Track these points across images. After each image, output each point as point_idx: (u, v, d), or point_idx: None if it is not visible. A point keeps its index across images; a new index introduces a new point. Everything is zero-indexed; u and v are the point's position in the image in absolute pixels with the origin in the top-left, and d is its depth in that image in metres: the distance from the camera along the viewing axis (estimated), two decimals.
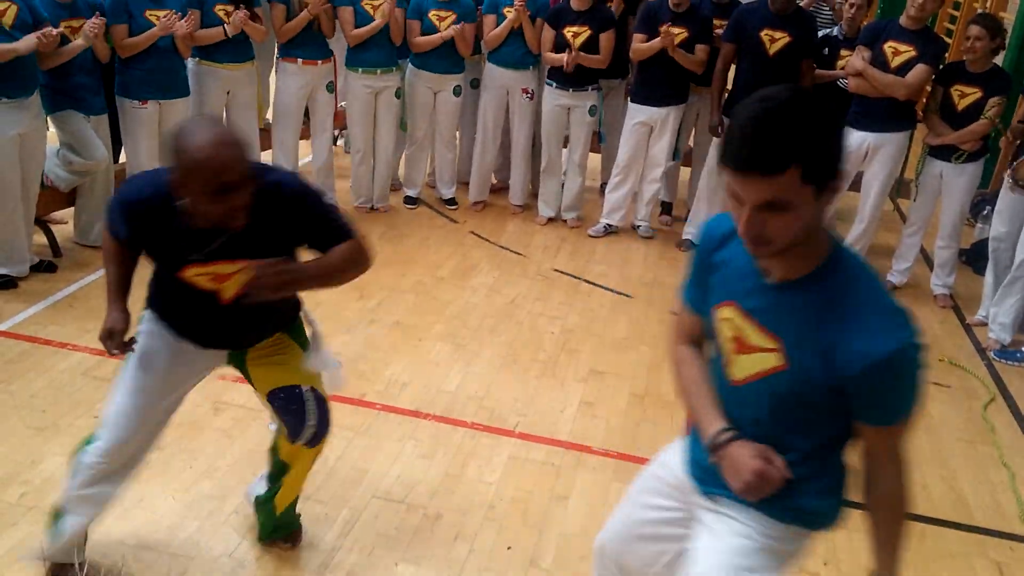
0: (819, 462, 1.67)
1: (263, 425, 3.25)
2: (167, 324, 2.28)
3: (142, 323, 2.32)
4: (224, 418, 3.31)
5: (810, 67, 5.13)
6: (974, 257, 5.65)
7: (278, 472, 2.53)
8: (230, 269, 2.10)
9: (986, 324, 4.75)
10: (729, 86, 5.38)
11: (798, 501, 1.67)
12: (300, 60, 5.20)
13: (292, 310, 2.44)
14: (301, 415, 2.37)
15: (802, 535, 1.73)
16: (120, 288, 2.26)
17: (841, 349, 1.45)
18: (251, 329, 2.33)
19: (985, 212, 5.66)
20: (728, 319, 1.63)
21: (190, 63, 4.88)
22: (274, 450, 2.53)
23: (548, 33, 5.37)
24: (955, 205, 4.93)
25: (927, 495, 3.28)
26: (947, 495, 3.30)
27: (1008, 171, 4.12)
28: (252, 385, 2.45)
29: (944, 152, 4.84)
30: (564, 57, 5.28)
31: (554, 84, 5.50)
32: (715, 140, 5.39)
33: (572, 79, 5.42)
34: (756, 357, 1.59)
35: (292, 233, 2.12)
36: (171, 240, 2.05)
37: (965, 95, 4.73)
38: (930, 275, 5.26)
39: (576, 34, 5.30)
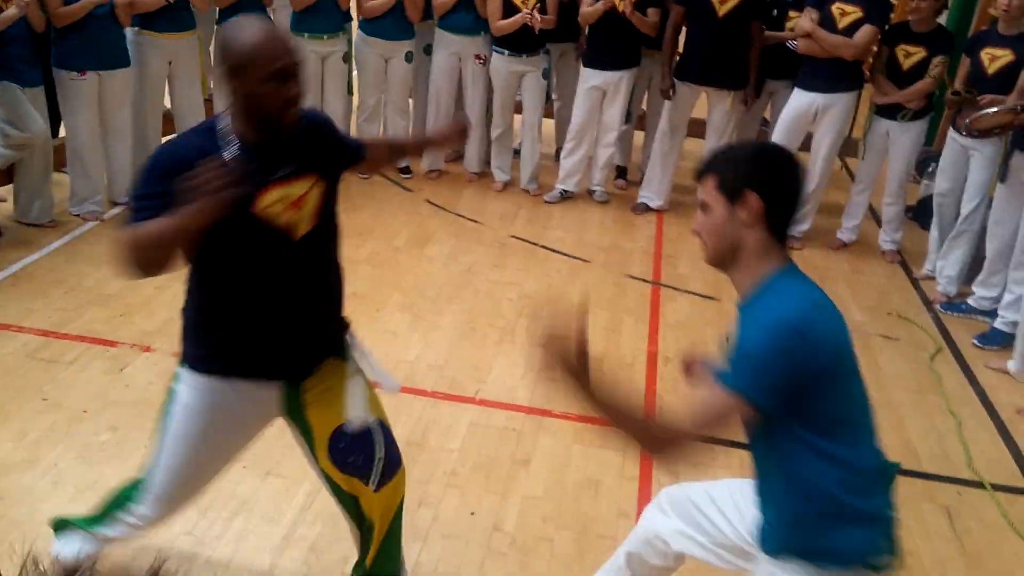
0: (798, 488, 1.73)
1: None
2: (214, 364, 2.05)
3: (178, 382, 2.11)
4: None
5: (759, 29, 5.15)
6: (920, 213, 5.76)
7: (366, 535, 2.23)
8: (303, 187, 1.95)
9: (933, 278, 4.87)
10: (680, 48, 5.39)
11: (817, 543, 1.74)
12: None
13: (343, 325, 2.25)
14: (370, 450, 2.12)
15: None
16: None
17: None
18: (311, 337, 2.09)
19: (930, 169, 5.77)
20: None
21: (129, 32, 4.73)
22: (350, 510, 2.22)
23: (495, 1, 5.30)
24: (901, 163, 5.02)
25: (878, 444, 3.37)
26: (896, 443, 3.40)
27: (959, 120, 4.19)
28: (309, 441, 2.15)
29: (890, 111, 4.91)
30: (520, 20, 5.20)
31: (505, 52, 5.44)
32: (667, 103, 5.40)
33: (524, 44, 5.38)
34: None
35: (332, 152, 2.09)
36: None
37: (910, 54, 4.79)
38: (878, 232, 5.36)
39: (525, 1, 5.25)
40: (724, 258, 1.75)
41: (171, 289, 4.03)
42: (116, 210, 4.89)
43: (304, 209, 1.97)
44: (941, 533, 2.92)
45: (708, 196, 1.74)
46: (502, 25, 5.31)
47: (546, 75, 5.52)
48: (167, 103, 5.17)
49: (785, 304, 1.66)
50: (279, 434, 3.04)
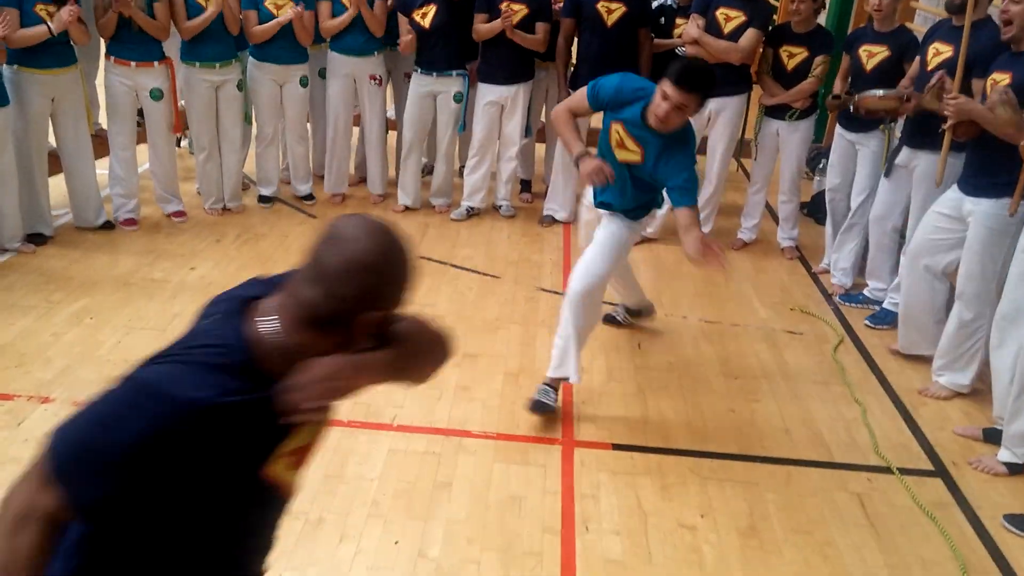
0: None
1: None
2: None
3: None
4: None
5: (647, 37, 5.27)
6: (814, 209, 5.98)
7: None
8: (312, 434, 1.55)
9: (829, 271, 5.06)
10: (573, 59, 5.47)
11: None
12: (113, 59, 4.89)
13: None
14: None
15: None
16: None
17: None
18: None
19: (821, 165, 6.00)
20: (616, 130, 3.30)
21: (6, 70, 4.51)
22: None
23: (402, 21, 5.27)
24: (792, 161, 5.20)
25: (789, 438, 3.47)
26: (806, 436, 3.50)
27: (853, 109, 4.37)
28: None
29: (778, 111, 5.09)
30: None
31: (419, 70, 5.42)
32: None
33: (437, 63, 5.37)
34: (628, 152, 3.29)
35: None
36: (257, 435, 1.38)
37: (793, 55, 4.98)
38: (776, 229, 5.54)
39: (424, 15, 5.25)
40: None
41: (68, 335, 3.88)
42: (5, 256, 4.65)
43: (308, 456, 1.60)
44: (855, 520, 3.01)
45: (692, 106, 3.07)
46: (406, 42, 5.28)
47: (458, 98, 5.47)
48: (52, 141, 4.95)
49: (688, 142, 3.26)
50: None
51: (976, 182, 3.59)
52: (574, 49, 5.42)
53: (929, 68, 3.98)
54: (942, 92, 3.63)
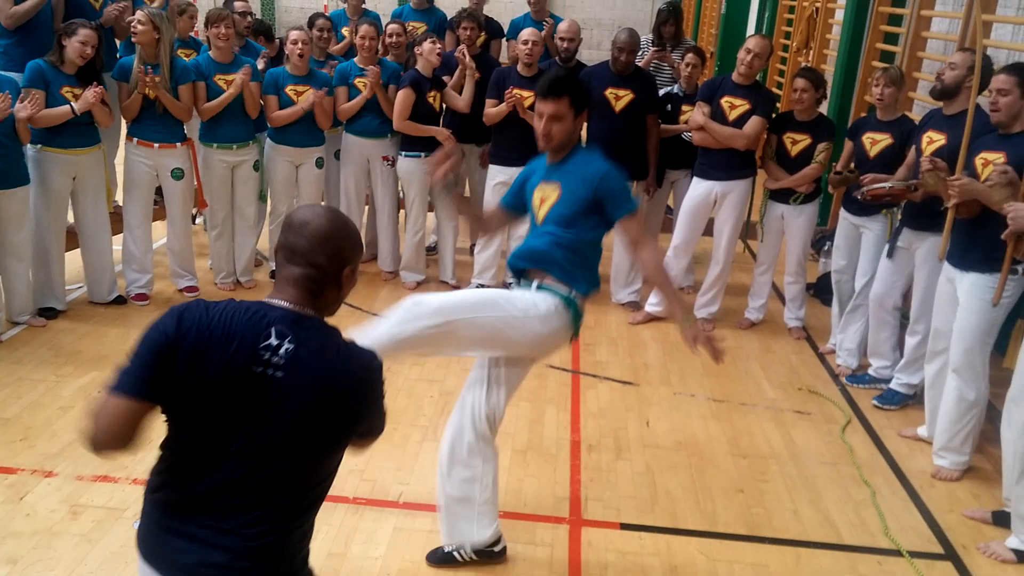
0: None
1: (127, 525, 3.08)
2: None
3: None
4: (83, 521, 3.09)
5: (655, 122, 5.41)
6: (821, 290, 6.02)
7: None
8: None
9: (835, 352, 5.06)
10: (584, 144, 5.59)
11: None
12: (136, 140, 5.04)
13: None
14: None
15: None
16: None
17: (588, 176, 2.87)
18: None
19: (826, 247, 6.06)
20: (538, 191, 3.01)
21: (30, 149, 4.65)
22: None
23: (408, 99, 5.43)
24: (798, 243, 5.27)
25: (798, 519, 3.43)
26: (815, 518, 3.46)
27: (859, 194, 4.45)
28: None
29: (783, 195, 5.18)
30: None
31: (422, 154, 5.50)
32: None
33: (430, 146, 5.51)
34: (548, 200, 2.95)
35: None
36: None
37: (796, 142, 5.10)
38: (783, 310, 5.56)
39: (434, 98, 5.43)
40: (565, 146, 2.94)
41: (75, 409, 3.89)
42: (15, 330, 4.70)
43: None
44: None
45: (564, 110, 2.86)
46: (406, 126, 5.43)
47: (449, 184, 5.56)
48: (70, 218, 5.06)
49: (595, 153, 3.03)
50: None
51: (969, 256, 3.66)
52: (583, 135, 5.56)
53: (925, 156, 4.10)
54: (938, 172, 3.72)
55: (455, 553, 2.99)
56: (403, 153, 5.61)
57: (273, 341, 1.69)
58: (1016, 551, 3.23)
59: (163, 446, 1.75)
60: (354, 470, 3.56)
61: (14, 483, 3.31)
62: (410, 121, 5.44)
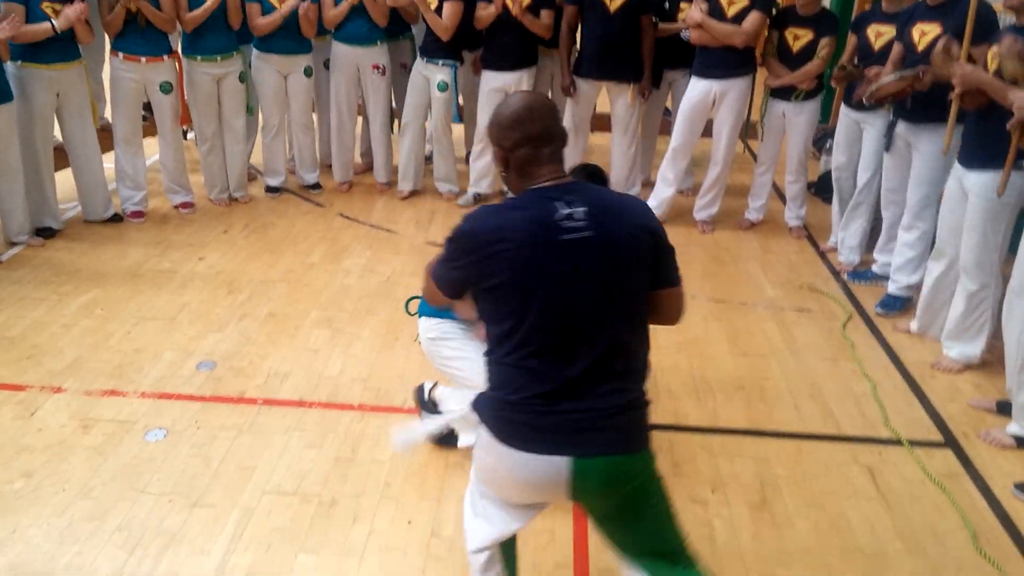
0: None
1: (138, 438, 3.12)
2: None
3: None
4: (94, 435, 3.14)
5: (651, 22, 5.25)
6: (821, 188, 5.97)
7: None
8: None
9: (837, 249, 5.05)
10: (577, 46, 5.46)
11: None
12: (122, 55, 4.90)
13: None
14: None
15: None
16: None
17: None
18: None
19: (827, 145, 5.99)
20: None
21: (10, 67, 4.53)
22: None
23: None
24: (799, 141, 5.19)
25: (798, 414, 3.47)
26: (816, 412, 3.50)
27: (857, 94, 4.34)
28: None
29: (784, 92, 5.08)
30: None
31: (419, 54, 5.45)
32: (569, 100, 5.46)
33: (425, 50, 5.39)
34: None
35: None
36: None
37: (798, 37, 4.96)
38: (784, 209, 5.53)
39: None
40: None
41: (77, 327, 3.90)
42: (14, 250, 4.68)
43: None
44: (866, 493, 3.01)
45: None
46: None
47: (442, 87, 5.45)
48: (58, 136, 4.98)
49: None
50: (203, 463, 2.98)
51: (976, 154, 3.59)
52: (578, 37, 5.42)
53: (920, 49, 3.98)
54: (949, 54, 3.60)
55: None
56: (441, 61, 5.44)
57: (565, 210, 1.83)
58: (1016, 437, 3.29)
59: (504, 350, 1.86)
60: (358, 379, 3.60)
61: (23, 400, 3.35)
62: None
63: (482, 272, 1.83)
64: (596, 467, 1.84)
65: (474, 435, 2.11)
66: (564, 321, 1.82)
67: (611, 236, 1.83)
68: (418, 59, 5.48)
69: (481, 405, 1.94)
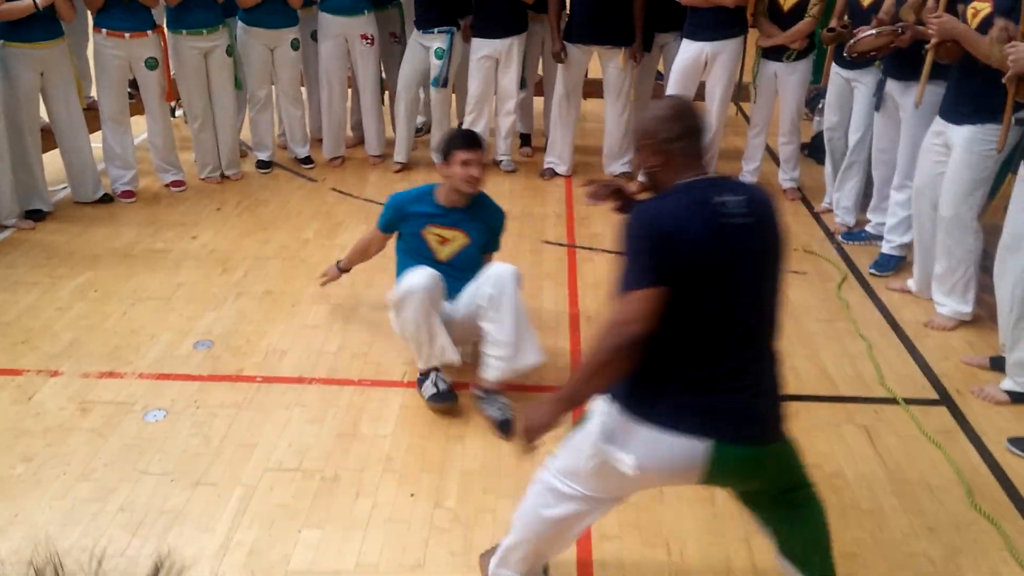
0: None
1: (137, 419, 3.13)
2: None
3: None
4: (93, 417, 3.14)
5: None
6: (815, 150, 5.95)
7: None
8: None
9: (831, 211, 5.05)
10: (567, 11, 5.40)
11: None
12: (105, 31, 4.84)
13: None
14: None
15: None
16: None
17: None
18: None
19: (820, 105, 5.94)
20: (431, 233, 3.40)
21: None
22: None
23: None
24: (791, 102, 5.16)
25: (796, 375, 3.49)
26: (812, 372, 3.52)
27: (845, 52, 4.32)
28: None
29: (776, 53, 5.04)
30: None
31: (428, 29, 5.38)
32: (560, 66, 5.42)
33: (421, 21, 5.33)
34: (453, 243, 3.37)
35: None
36: None
37: None
38: (777, 171, 5.51)
39: None
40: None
41: (72, 310, 3.89)
42: (4, 233, 4.66)
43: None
44: (863, 452, 3.04)
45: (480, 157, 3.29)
46: None
47: (439, 54, 5.41)
48: (44, 116, 4.93)
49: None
50: (204, 442, 2.99)
51: (957, 109, 3.58)
52: (566, 4, 5.37)
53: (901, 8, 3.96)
54: (923, 6, 3.60)
55: None
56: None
57: (728, 198, 1.90)
58: (1010, 392, 3.31)
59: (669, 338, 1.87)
60: (358, 354, 3.60)
61: (21, 384, 3.35)
62: None
63: (665, 262, 1.85)
64: (735, 455, 1.90)
65: None
66: (732, 305, 1.88)
67: (767, 224, 1.94)
68: (415, 32, 5.41)
69: (629, 394, 1.93)
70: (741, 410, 1.90)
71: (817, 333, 3.82)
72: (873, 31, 4.06)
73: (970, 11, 3.51)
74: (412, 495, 2.79)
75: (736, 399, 1.90)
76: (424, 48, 5.42)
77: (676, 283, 1.85)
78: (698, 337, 1.89)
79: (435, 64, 5.41)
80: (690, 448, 1.87)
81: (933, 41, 3.50)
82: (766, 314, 1.96)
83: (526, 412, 2.00)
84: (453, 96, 6.03)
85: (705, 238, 1.85)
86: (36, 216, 4.82)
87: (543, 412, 1.97)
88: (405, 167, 5.79)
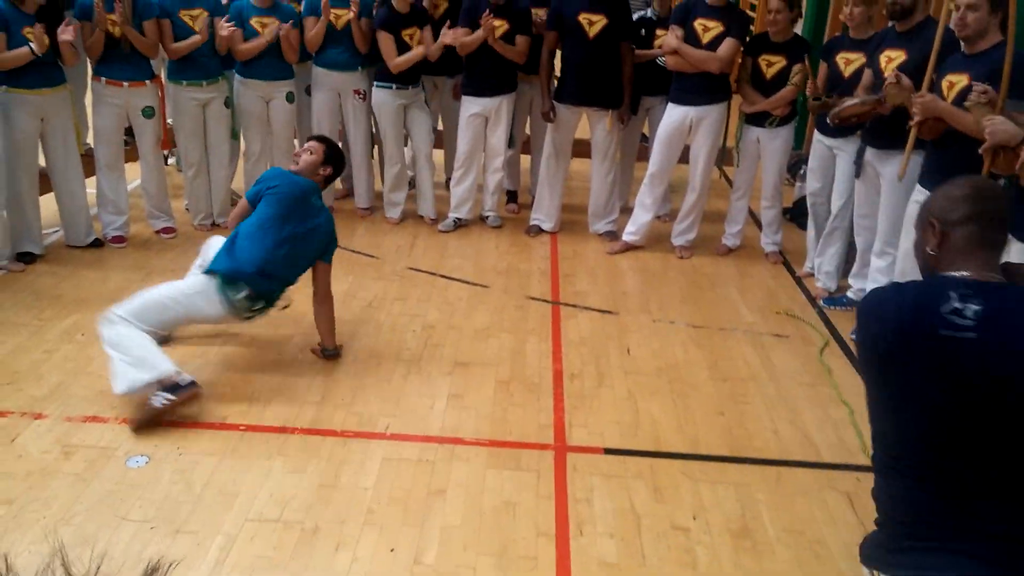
0: None
1: (120, 464, 3.12)
2: None
3: None
4: (75, 461, 3.13)
5: (629, 48, 5.35)
6: (797, 214, 6.07)
7: None
8: None
9: (813, 275, 5.14)
10: (557, 72, 5.55)
11: None
12: (104, 79, 4.94)
13: None
14: None
15: None
16: None
17: None
18: None
19: (802, 171, 6.09)
20: None
21: None
22: None
23: (387, 39, 5.34)
24: (774, 167, 5.29)
25: (778, 439, 3.53)
26: (795, 437, 3.56)
27: (829, 119, 4.45)
28: None
29: (758, 118, 5.18)
30: (415, 56, 5.34)
31: (393, 86, 5.48)
32: (550, 126, 5.54)
33: (408, 77, 5.46)
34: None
35: None
36: None
37: (772, 63, 5.07)
38: (760, 235, 5.61)
39: (411, 36, 5.37)
40: None
41: (60, 352, 3.89)
42: None
43: None
44: (844, 519, 3.06)
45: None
46: (396, 63, 5.35)
47: (427, 103, 5.60)
48: (41, 161, 4.97)
49: None
50: (186, 489, 2.98)
51: (934, 177, 3.69)
52: (557, 63, 5.51)
53: (885, 75, 4.10)
54: (902, 86, 3.73)
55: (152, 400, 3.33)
56: (376, 84, 5.53)
57: (955, 304, 1.60)
58: None
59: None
60: (341, 404, 3.61)
61: (4, 426, 3.33)
62: (401, 59, 5.35)
63: (861, 349, 1.73)
64: None
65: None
66: (937, 433, 1.61)
67: (1003, 344, 1.56)
68: (391, 90, 5.51)
69: (874, 548, 1.76)
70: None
71: (800, 397, 3.87)
72: (857, 100, 4.20)
73: (945, 84, 3.65)
74: (392, 550, 2.79)
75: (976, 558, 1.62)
76: (402, 106, 5.56)
77: (870, 385, 1.71)
78: (912, 475, 1.67)
79: (419, 120, 5.59)
80: None
81: (917, 119, 3.62)
82: (1004, 452, 1.59)
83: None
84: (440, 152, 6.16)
85: (895, 344, 1.63)
86: (27, 259, 4.84)
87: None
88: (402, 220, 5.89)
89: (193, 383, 3.44)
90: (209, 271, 3.65)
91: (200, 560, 2.67)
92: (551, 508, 3.03)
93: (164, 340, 3.81)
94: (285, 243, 3.69)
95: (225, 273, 3.61)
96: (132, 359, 3.37)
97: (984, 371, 1.56)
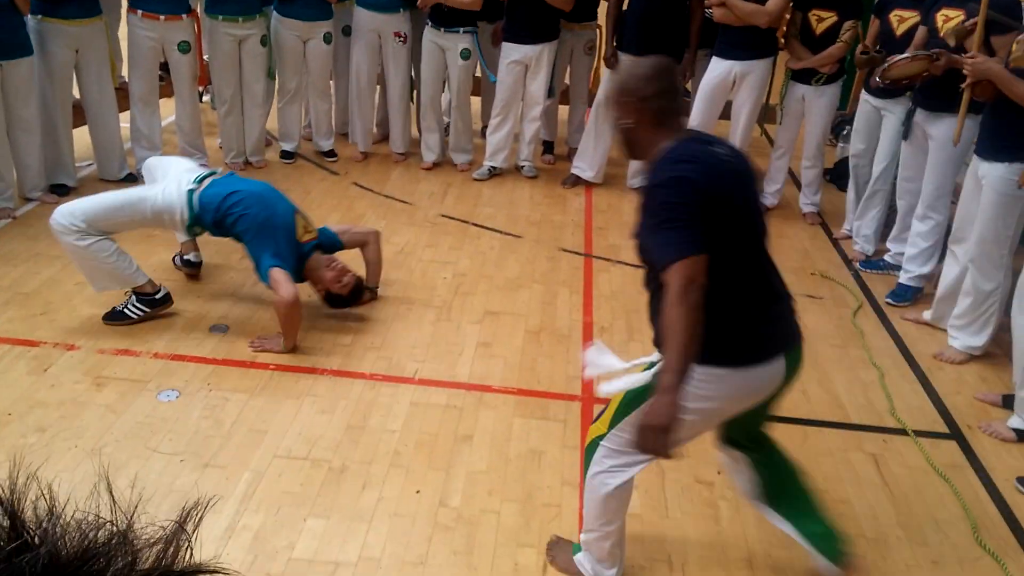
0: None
1: (150, 398, 3.15)
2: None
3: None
4: (107, 393, 3.17)
5: (699, 1, 5.18)
6: (837, 175, 5.94)
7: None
8: None
9: (851, 237, 5.04)
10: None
11: None
12: (140, 12, 4.89)
13: None
14: None
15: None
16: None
17: None
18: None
19: (845, 132, 5.94)
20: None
21: (31, 20, 4.52)
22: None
23: None
24: (818, 126, 5.16)
25: (806, 399, 3.49)
26: (824, 397, 3.52)
27: (874, 79, 4.30)
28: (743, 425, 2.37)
29: (805, 76, 5.04)
30: None
31: (429, 23, 5.41)
32: (609, 73, 5.41)
33: (441, 19, 5.35)
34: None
35: None
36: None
37: (822, 20, 4.91)
38: (799, 195, 5.51)
39: None
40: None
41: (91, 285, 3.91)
42: (29, 206, 4.70)
43: None
44: (870, 480, 3.04)
45: None
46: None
47: (466, 55, 5.45)
48: (76, 93, 4.97)
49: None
50: (215, 425, 3.01)
51: (990, 145, 3.58)
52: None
53: (941, 35, 3.95)
54: (965, 28, 3.62)
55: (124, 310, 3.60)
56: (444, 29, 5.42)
57: (720, 149, 2.07)
58: (1017, 430, 3.30)
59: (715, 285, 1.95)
60: (371, 347, 3.62)
61: (37, 355, 3.38)
62: None
63: (710, 221, 1.94)
64: (797, 357, 2.16)
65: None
66: (756, 239, 2.09)
67: (748, 167, 2.12)
68: (428, 29, 5.43)
69: (710, 349, 1.98)
70: (789, 317, 2.16)
71: (830, 359, 3.82)
72: (908, 56, 4.05)
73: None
74: (418, 492, 2.80)
75: (783, 310, 2.15)
76: (441, 48, 5.45)
77: (719, 238, 1.96)
78: (746, 274, 2.05)
79: (459, 66, 5.44)
80: (775, 369, 2.09)
81: (969, 81, 3.50)
82: (765, 232, 2.16)
83: (644, 423, 1.89)
84: (477, 100, 6.07)
85: (730, 188, 2.01)
86: (61, 191, 4.86)
87: (664, 406, 1.85)
88: (436, 165, 5.82)
89: (168, 297, 3.64)
90: (194, 216, 3.57)
91: (228, 494, 2.71)
92: (576, 458, 3.02)
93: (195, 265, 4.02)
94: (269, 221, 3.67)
95: (203, 219, 3.60)
96: (103, 271, 3.52)
97: (751, 186, 2.13)
